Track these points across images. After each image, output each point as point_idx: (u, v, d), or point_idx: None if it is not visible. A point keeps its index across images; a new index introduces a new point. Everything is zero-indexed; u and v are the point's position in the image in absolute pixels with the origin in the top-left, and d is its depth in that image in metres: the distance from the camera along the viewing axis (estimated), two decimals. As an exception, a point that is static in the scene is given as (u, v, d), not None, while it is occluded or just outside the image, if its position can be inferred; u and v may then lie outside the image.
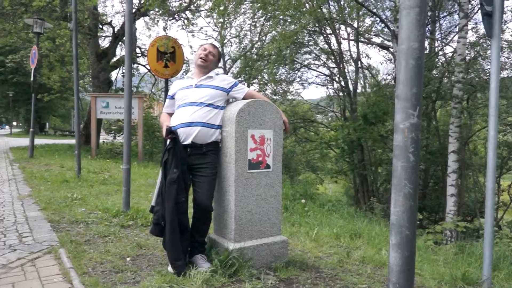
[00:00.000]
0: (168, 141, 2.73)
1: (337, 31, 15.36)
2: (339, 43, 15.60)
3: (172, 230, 2.60)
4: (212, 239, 2.96)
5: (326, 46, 15.87)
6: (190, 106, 2.79)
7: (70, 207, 4.41)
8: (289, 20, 11.26)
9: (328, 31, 15.27)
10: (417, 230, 6.86)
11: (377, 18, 12.99)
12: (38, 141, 13.27)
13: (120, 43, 15.34)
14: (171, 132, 2.67)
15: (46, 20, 10.85)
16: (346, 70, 15.70)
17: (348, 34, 15.64)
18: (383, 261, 3.19)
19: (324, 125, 19.45)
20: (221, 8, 7.99)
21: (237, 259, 2.65)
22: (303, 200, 6.10)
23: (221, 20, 13.45)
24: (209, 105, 2.79)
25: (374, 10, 12.76)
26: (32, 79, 10.49)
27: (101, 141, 15.02)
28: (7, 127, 75.17)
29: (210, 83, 2.88)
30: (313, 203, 6.35)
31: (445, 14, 12.72)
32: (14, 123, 54.95)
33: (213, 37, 20.92)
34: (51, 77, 17.62)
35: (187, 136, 2.72)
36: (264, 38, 16.81)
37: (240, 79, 18.56)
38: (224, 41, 17.35)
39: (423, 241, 5.30)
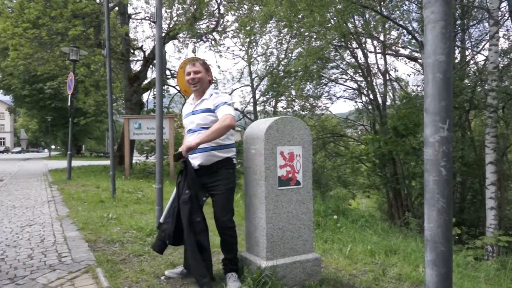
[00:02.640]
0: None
1: (364, 45, 15.30)
2: (366, 57, 15.51)
3: (191, 249, 2.67)
4: (243, 257, 2.96)
5: (353, 60, 15.81)
6: (191, 133, 2.89)
7: (106, 226, 4.54)
8: (315, 37, 11.33)
9: (354, 45, 15.24)
10: (456, 246, 6.62)
11: (404, 30, 12.86)
12: (75, 163, 13.80)
13: (150, 66, 15.85)
14: (181, 156, 2.74)
15: (81, 48, 11.39)
16: (374, 83, 15.55)
17: (375, 47, 15.54)
18: (421, 279, 3.09)
19: (354, 139, 19.22)
20: (247, 28, 8.15)
21: (269, 277, 2.65)
22: (335, 216, 6.02)
23: (248, 40, 13.70)
24: (202, 128, 2.80)
25: (401, 22, 12.64)
26: (69, 104, 10.97)
27: (134, 161, 15.41)
28: (46, 150, 78.33)
29: (203, 106, 2.87)
30: (346, 219, 6.24)
31: (474, 22, 12.43)
32: (53, 146, 57.28)
33: (240, 56, 21.28)
34: (87, 102, 18.40)
35: (194, 162, 2.81)
36: (290, 55, 16.95)
37: (267, 96, 18.73)
38: (251, 60, 17.59)
39: (463, 257, 5.09)
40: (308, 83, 15.77)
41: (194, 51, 7.51)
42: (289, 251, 2.87)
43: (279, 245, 2.83)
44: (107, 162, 23.23)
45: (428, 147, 1.40)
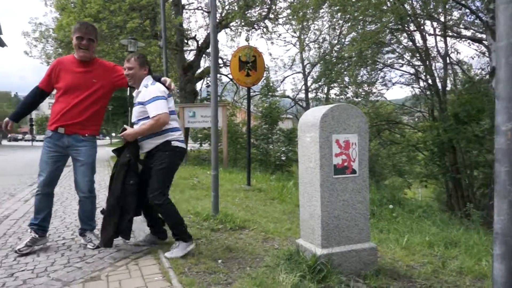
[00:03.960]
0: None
1: (422, 27, 14.53)
2: (424, 40, 14.72)
3: (110, 208, 3.04)
4: (299, 244, 2.98)
5: (410, 43, 15.08)
6: (135, 124, 3.26)
7: (165, 211, 4.76)
8: (370, 20, 10.93)
9: (412, 27, 14.51)
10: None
11: (467, 10, 12.04)
12: (134, 150, 14.43)
13: (203, 55, 16.14)
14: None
15: (138, 39, 11.84)
16: (433, 67, 14.76)
17: (434, 29, 14.70)
18: (484, 273, 2.95)
19: (410, 127, 18.46)
20: (300, 14, 8.04)
21: (325, 265, 2.65)
22: (391, 206, 5.87)
23: (300, 26, 13.52)
24: (139, 120, 3.15)
25: (463, 2, 11.84)
26: (128, 94, 11.49)
27: (188, 148, 15.91)
28: (107, 137, 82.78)
29: (138, 99, 3.16)
30: (402, 209, 6.06)
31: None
32: (113, 134, 60.39)
33: (291, 43, 21.07)
34: (144, 91, 19.14)
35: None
36: (343, 40, 16.51)
37: (320, 83, 18.43)
38: (304, 46, 17.35)
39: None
40: (362, 68, 15.32)
41: (247, 40, 7.56)
42: (344, 240, 2.85)
43: (335, 233, 2.82)
44: (163, 149, 24.21)
45: (499, 135, 1.32)
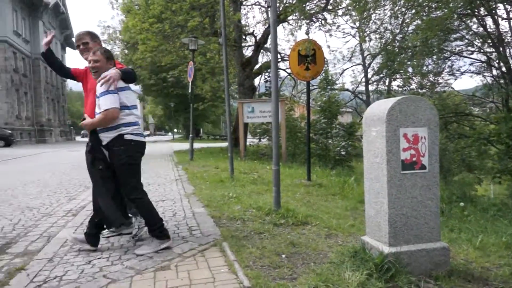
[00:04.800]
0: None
1: (494, 11, 13.44)
2: (497, 24, 13.61)
3: (100, 195, 3.22)
4: (365, 241, 2.91)
5: (481, 29, 14.03)
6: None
7: (227, 204, 4.87)
8: (435, 6, 10.32)
9: (483, 12, 13.48)
10: None
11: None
12: (195, 145, 14.98)
13: (262, 50, 16.23)
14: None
15: (198, 37, 12.17)
16: (507, 54, 13.62)
17: (508, 12, 13.54)
18: None
19: (481, 118, 17.24)
20: (361, 3, 7.79)
21: (393, 263, 2.56)
22: (461, 204, 5.53)
23: (360, 16, 13.10)
24: (98, 113, 3.11)
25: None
26: (190, 91, 11.87)
27: (247, 143, 16.11)
28: (169, 133, 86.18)
29: (96, 92, 3.13)
30: (474, 207, 5.69)
31: None
32: (175, 130, 62.91)
33: (351, 34, 20.50)
34: (204, 88, 19.68)
35: None
36: (406, 29, 15.75)
37: (381, 75, 17.79)
38: (365, 37, 16.82)
39: None
40: (427, 58, 14.52)
41: (307, 33, 7.46)
42: (413, 238, 2.74)
43: (403, 232, 2.71)
44: (223, 144, 24.75)
45: None
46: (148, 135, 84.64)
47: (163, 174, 8.82)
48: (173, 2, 12.96)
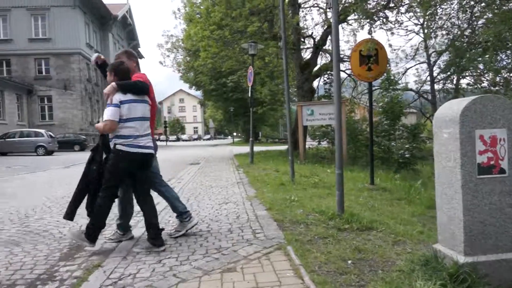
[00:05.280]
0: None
1: None
2: None
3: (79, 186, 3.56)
4: (437, 249, 2.76)
5: None
6: None
7: (290, 208, 4.87)
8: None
9: None
10: None
11: None
12: (255, 148, 15.17)
13: (320, 52, 16.06)
14: None
15: (258, 42, 12.32)
16: None
17: None
18: None
19: None
20: (426, -1, 7.43)
21: (469, 274, 2.40)
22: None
23: (424, 12, 12.50)
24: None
25: None
26: (249, 95, 12.05)
27: (306, 146, 15.99)
28: (229, 137, 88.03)
29: None
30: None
31: None
32: (234, 134, 64.13)
33: (414, 32, 19.60)
34: (263, 92, 19.86)
35: None
36: (475, 23, 14.77)
37: (448, 73, 16.83)
38: (430, 33, 16.03)
39: None
40: (500, 53, 13.50)
41: (370, 33, 7.25)
42: (492, 248, 2.54)
43: (480, 240, 2.53)
44: (282, 147, 24.79)
45: None
46: (209, 139, 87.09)
47: (225, 177, 9.02)
48: (233, 9, 13.25)
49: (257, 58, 15.74)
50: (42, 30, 30.39)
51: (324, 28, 15.52)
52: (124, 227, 3.86)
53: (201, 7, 16.77)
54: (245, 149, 24.03)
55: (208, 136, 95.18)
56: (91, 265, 3.16)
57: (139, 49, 51.23)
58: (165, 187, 4.09)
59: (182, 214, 3.93)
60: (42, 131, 23.50)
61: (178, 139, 79.29)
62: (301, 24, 17.07)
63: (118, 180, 3.52)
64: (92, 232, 3.46)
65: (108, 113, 3.32)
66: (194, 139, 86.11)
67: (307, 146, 16.25)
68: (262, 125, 53.86)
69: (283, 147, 23.70)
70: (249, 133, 45.66)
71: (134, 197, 3.75)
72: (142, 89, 3.52)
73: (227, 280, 2.65)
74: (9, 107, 26.58)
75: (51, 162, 15.51)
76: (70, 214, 3.52)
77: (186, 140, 79.11)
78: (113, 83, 3.43)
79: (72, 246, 3.75)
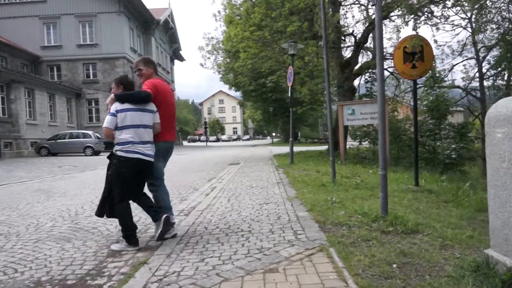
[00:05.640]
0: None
1: None
2: None
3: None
4: (489, 255, 2.62)
5: None
6: None
7: (331, 209, 4.80)
8: None
9: None
10: None
11: None
12: (294, 148, 15.09)
13: (362, 50, 15.73)
14: None
15: (297, 42, 12.25)
16: None
17: None
18: None
19: None
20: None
21: (525, 281, 2.26)
22: None
23: (472, 6, 11.93)
24: None
25: None
26: (289, 95, 12.00)
27: (347, 146, 15.72)
28: (268, 137, 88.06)
29: None
30: None
31: None
32: (273, 134, 64.16)
33: (461, 26, 18.75)
34: (302, 91, 19.74)
35: None
36: (531, 15, 13.89)
37: (499, 68, 15.97)
38: (479, 27, 15.29)
39: None
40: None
41: (415, 29, 7.00)
42: (551, 255, 2.39)
43: (537, 246, 2.38)
44: (321, 148, 24.54)
45: None
46: (248, 139, 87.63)
47: (265, 177, 9.04)
48: (273, 9, 13.26)
49: (297, 58, 15.65)
50: (90, 36, 31.85)
51: (366, 26, 15.19)
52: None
53: (241, 9, 16.91)
54: (284, 149, 23.99)
55: (247, 137, 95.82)
56: (137, 262, 3.26)
57: (180, 52, 52.42)
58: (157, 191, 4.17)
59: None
60: (90, 132, 24.63)
61: (217, 140, 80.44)
62: (341, 22, 16.81)
63: (125, 185, 3.67)
64: (129, 237, 3.67)
65: (105, 121, 3.65)
66: (234, 140, 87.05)
67: (347, 146, 15.97)
68: (301, 125, 53.55)
69: (323, 147, 23.43)
70: (288, 133, 45.60)
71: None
72: (142, 99, 3.71)
73: (270, 280, 2.65)
74: (59, 110, 28.02)
75: (98, 162, 16.20)
76: (100, 213, 3.90)
77: (225, 141, 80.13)
78: (112, 94, 3.74)
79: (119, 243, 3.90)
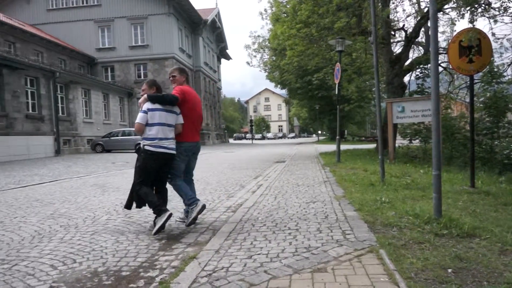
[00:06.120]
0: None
1: None
2: None
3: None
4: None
5: None
6: None
7: (380, 209, 4.67)
8: None
9: None
10: None
11: None
12: (341, 147, 14.81)
13: (413, 46, 15.14)
14: None
15: (345, 38, 12.01)
16: None
17: None
18: None
19: None
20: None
21: None
22: None
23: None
24: None
25: None
26: (336, 92, 11.81)
27: (396, 145, 15.22)
28: (313, 135, 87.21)
29: None
30: None
31: None
32: (319, 132, 63.44)
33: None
34: (349, 88, 19.36)
35: None
36: None
37: None
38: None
39: None
40: None
41: (472, 21, 6.62)
42: None
43: None
44: (369, 146, 23.94)
45: None
46: (293, 137, 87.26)
47: (311, 175, 8.97)
48: (320, 6, 13.08)
49: (344, 55, 15.36)
50: (141, 37, 33.15)
51: (417, 19, 14.61)
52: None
53: (288, 6, 16.83)
54: (330, 147, 23.65)
55: (293, 135, 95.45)
56: (187, 256, 3.36)
57: (227, 50, 53.14)
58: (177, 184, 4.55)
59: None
60: (141, 130, 25.58)
61: (263, 137, 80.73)
62: (391, 17, 16.28)
63: (147, 176, 4.18)
64: (159, 210, 4.08)
65: (138, 117, 4.13)
66: (279, 137, 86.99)
67: (396, 145, 15.46)
68: (348, 123, 52.52)
69: (371, 146, 22.86)
70: (334, 131, 44.91)
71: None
72: (171, 101, 4.20)
73: (318, 280, 2.63)
74: (113, 108, 29.37)
75: (149, 158, 16.78)
76: (128, 205, 4.42)
77: (271, 138, 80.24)
78: (145, 95, 4.21)
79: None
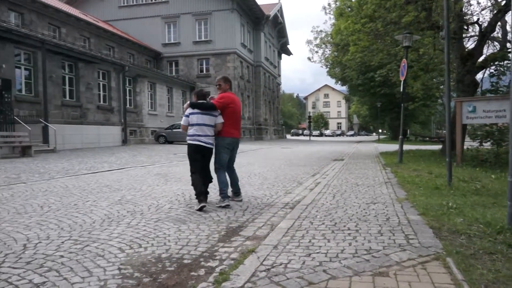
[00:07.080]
0: None
1: None
2: None
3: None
4: None
5: None
6: None
7: (447, 215, 4.42)
8: None
9: None
10: None
11: None
12: (403, 147, 14.21)
13: (488, 41, 14.10)
14: None
15: (413, 33, 11.46)
16: None
17: None
18: None
19: None
20: None
21: None
22: None
23: None
24: None
25: None
26: (401, 90, 11.33)
27: (465, 147, 14.32)
28: (373, 134, 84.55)
29: None
30: None
31: None
32: (380, 130, 61.32)
33: None
34: (414, 86, 18.48)
35: None
36: None
37: None
38: None
39: None
40: None
41: None
42: None
43: None
44: (433, 147, 22.71)
45: None
46: (352, 135, 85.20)
47: (371, 175, 8.72)
48: (387, -1, 12.61)
49: (411, 50, 14.66)
50: (204, 33, 34.07)
51: (493, 13, 13.57)
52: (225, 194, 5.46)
53: (352, 0, 16.40)
54: (391, 147, 22.78)
55: (352, 132, 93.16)
56: (246, 249, 3.41)
57: (288, 46, 52.96)
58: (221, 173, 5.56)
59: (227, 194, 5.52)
60: (201, 123, 26.36)
61: (321, 134, 79.59)
62: (464, 10, 15.27)
63: (193, 165, 5.33)
64: (199, 198, 5.13)
65: (182, 120, 5.42)
66: (337, 135, 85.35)
67: (465, 147, 14.53)
68: (411, 122, 50.23)
69: (435, 147, 21.69)
70: (396, 130, 43.15)
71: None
72: (207, 107, 5.26)
73: (379, 284, 2.55)
74: (176, 101, 30.49)
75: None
76: (198, 188, 5.30)
77: (329, 136, 78.97)
78: (188, 102, 5.38)
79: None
